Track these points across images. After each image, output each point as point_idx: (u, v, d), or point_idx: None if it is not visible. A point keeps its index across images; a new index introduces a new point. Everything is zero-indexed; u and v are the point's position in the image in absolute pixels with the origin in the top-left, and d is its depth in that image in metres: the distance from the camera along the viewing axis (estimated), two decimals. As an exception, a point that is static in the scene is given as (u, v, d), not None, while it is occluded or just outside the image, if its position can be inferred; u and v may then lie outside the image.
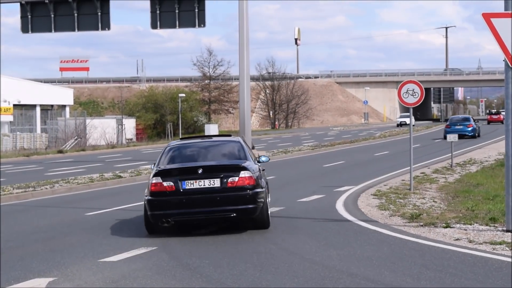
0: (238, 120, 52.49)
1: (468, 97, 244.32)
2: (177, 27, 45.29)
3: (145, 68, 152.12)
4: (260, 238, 14.76)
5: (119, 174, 32.20)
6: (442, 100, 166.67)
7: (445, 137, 54.08)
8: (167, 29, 46.60)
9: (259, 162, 17.03)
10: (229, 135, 18.28)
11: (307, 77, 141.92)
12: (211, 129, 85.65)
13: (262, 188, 15.66)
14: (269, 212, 16.27)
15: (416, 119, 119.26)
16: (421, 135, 70.48)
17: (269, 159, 18.98)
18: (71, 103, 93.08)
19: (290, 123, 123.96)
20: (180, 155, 16.44)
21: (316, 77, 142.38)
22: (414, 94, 23.08)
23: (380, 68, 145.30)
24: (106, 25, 45.50)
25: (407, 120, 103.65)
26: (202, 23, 44.56)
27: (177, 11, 44.47)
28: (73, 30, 45.90)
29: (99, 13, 45.11)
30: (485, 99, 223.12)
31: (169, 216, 15.42)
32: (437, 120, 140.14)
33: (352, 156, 42.35)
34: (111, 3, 45.22)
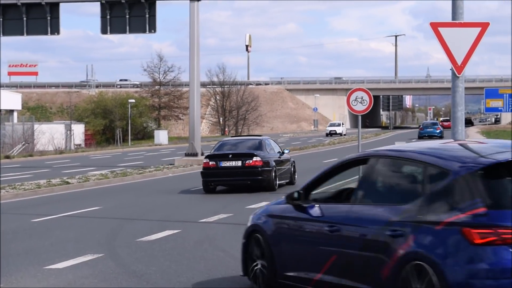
0: (188, 126, 52.38)
1: (417, 105, 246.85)
2: (128, 33, 45.07)
3: (95, 73, 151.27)
4: (208, 245, 14.72)
5: (66, 180, 31.89)
6: (391, 107, 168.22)
7: (419, 137, 75.18)
8: (117, 34, 46.35)
9: (283, 153, 27.46)
10: (259, 135, 29.28)
11: (258, 84, 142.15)
12: (161, 135, 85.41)
13: (269, 167, 25.73)
14: (276, 182, 26.07)
15: (365, 127, 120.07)
16: (370, 142, 70.93)
17: (289, 151, 30.62)
18: (19, 108, 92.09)
19: (240, 130, 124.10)
20: (223, 146, 27.26)
21: (266, 84, 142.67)
22: (363, 101, 23.25)
23: (331, 76, 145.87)
24: (55, 30, 45.10)
25: (338, 129, 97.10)
26: (152, 28, 44.40)
27: (127, 16, 44.26)
28: (22, 34, 45.44)
29: (49, 18, 44.72)
30: (433, 107, 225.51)
31: (212, 182, 25.87)
32: (385, 127, 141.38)
33: (301, 163, 42.42)
34: (61, 8, 44.88)
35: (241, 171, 25.57)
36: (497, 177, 7.76)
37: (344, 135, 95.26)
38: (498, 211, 7.48)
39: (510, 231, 7.35)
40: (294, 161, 28.83)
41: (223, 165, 25.65)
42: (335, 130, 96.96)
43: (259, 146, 26.69)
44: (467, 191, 7.69)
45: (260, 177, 25.53)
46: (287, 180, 27.63)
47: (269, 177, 25.64)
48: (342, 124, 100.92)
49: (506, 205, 7.52)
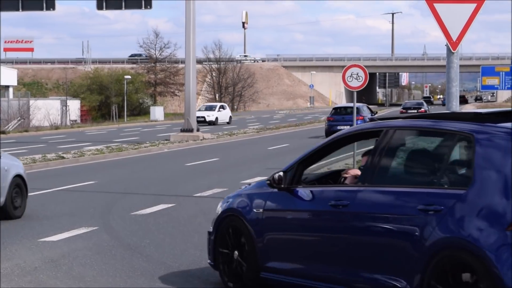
0: (184, 102, 52.33)
1: (413, 83, 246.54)
2: (123, 9, 45.04)
3: (91, 50, 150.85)
4: (203, 218, 14.77)
5: (62, 155, 31.91)
6: (387, 85, 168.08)
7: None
8: (113, 10, 46.28)
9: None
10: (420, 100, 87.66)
11: (254, 61, 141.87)
12: (156, 111, 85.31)
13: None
14: None
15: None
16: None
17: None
18: (15, 83, 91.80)
19: (236, 106, 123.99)
20: (407, 104, 77.90)
21: (263, 61, 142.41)
22: (358, 78, 23.25)
23: (327, 53, 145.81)
24: (51, 6, 44.96)
25: (208, 116, 67.95)
26: (148, 4, 44.33)
27: (123, -8, 44.13)
28: (17, 9, 45.27)
29: (44, -7, 44.56)
30: (430, 84, 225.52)
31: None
32: (382, 104, 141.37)
33: (296, 139, 42.51)
34: (56, -17, 44.73)
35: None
36: None
37: (228, 123, 68.91)
38: None
39: None
40: None
41: (409, 111, 57.50)
42: (203, 117, 66.89)
43: (422, 103, 67.37)
44: None
45: None
46: None
47: None
48: (222, 107, 72.68)
49: None
